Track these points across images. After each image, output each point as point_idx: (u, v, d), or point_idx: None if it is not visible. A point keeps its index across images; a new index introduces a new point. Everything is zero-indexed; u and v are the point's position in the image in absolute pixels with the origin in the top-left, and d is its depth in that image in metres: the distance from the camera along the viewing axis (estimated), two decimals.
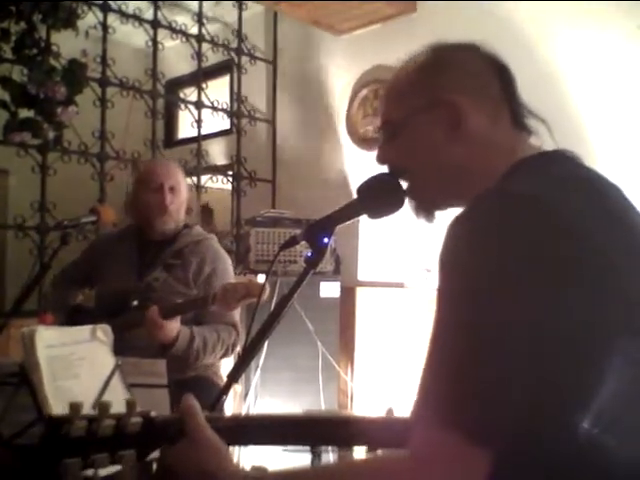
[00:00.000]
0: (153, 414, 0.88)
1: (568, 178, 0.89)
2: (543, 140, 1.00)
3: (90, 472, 0.84)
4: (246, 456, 2.46)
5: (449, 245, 0.82)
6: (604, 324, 0.77)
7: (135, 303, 2.25)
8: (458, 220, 0.83)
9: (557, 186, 0.85)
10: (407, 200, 1.09)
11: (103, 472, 0.87)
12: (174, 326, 2.11)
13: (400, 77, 1.06)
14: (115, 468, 0.86)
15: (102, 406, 0.83)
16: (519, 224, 0.79)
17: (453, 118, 0.98)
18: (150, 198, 2.35)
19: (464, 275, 0.79)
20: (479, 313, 0.76)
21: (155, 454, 0.92)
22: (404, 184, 1.09)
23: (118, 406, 0.87)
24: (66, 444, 0.81)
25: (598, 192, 0.89)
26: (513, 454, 0.76)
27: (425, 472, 0.76)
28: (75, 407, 0.81)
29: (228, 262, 2.43)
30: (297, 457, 2.29)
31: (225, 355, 2.30)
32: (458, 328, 0.78)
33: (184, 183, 2.44)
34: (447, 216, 0.92)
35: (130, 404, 0.85)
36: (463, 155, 0.98)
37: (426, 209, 1.06)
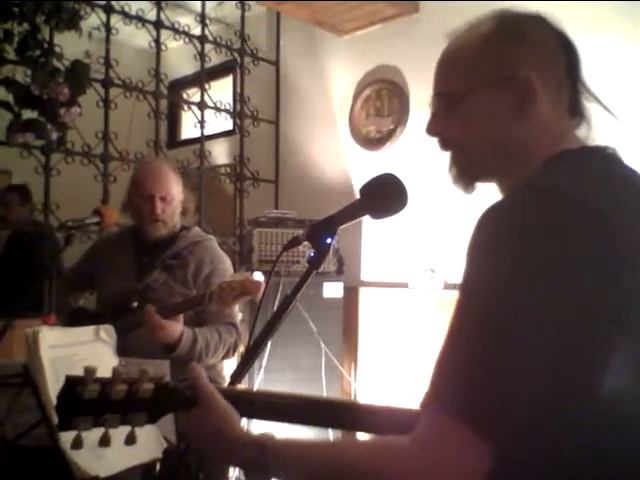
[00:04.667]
0: (166, 380, 0.92)
1: (605, 175, 0.88)
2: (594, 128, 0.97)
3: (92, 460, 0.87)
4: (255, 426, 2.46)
5: (478, 236, 0.82)
6: (613, 322, 0.77)
7: (135, 304, 2.25)
8: (490, 212, 0.83)
9: (593, 183, 0.84)
10: (448, 168, 1.04)
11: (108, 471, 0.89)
12: (177, 327, 2.11)
13: (463, 46, 0.99)
14: (126, 428, 0.90)
15: (115, 371, 0.87)
16: (549, 221, 0.79)
17: (524, 95, 0.93)
18: (141, 205, 2.35)
19: (488, 269, 0.79)
20: (499, 308, 0.77)
21: (156, 453, 0.94)
22: (449, 151, 1.03)
23: None
24: (79, 404, 0.85)
25: (635, 191, 0.89)
26: (517, 449, 0.76)
27: (428, 458, 0.76)
28: (90, 370, 0.85)
29: (227, 262, 2.42)
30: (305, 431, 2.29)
31: (226, 356, 2.30)
32: (477, 320, 0.78)
33: (177, 188, 2.40)
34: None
35: (143, 371, 0.89)
36: (524, 135, 0.94)
37: (469, 180, 1.02)
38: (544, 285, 0.76)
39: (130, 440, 0.90)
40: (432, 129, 1.03)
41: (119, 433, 0.90)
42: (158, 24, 3.75)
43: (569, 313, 0.76)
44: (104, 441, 0.88)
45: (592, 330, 0.76)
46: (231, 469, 2.40)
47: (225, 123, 4.33)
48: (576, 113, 0.97)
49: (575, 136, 0.97)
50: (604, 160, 0.92)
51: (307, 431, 1.01)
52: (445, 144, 1.02)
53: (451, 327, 0.80)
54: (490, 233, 0.81)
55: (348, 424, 1.03)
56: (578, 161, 0.90)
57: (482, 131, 0.97)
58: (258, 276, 2.00)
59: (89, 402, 0.85)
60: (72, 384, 0.85)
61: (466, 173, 1.01)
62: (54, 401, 0.86)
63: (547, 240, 0.78)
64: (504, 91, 0.94)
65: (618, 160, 0.94)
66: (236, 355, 2.35)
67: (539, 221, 0.79)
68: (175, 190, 2.39)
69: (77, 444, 0.88)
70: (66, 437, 0.98)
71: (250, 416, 1.04)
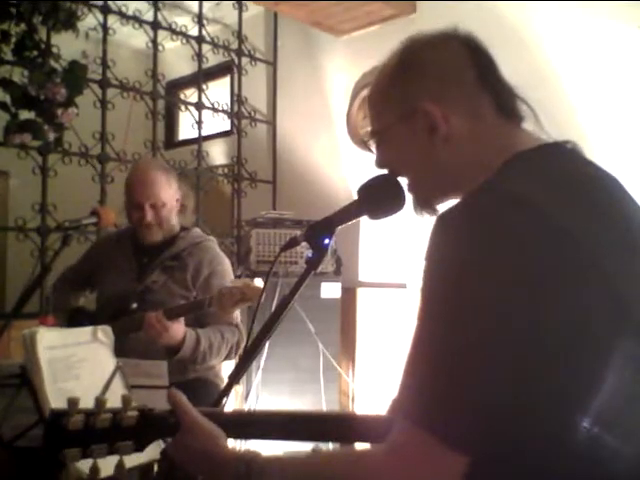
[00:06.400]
0: (149, 408, 0.93)
1: (564, 175, 0.87)
2: (537, 123, 0.98)
3: (89, 461, 0.89)
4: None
5: (435, 244, 0.81)
6: (600, 324, 0.77)
7: (134, 306, 2.25)
8: (444, 219, 0.83)
9: (550, 185, 0.83)
10: (409, 196, 1.09)
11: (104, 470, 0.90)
12: (180, 328, 2.10)
13: (376, 87, 1.06)
14: (114, 458, 0.91)
15: (99, 401, 0.87)
16: (506, 225, 0.78)
17: (428, 126, 0.97)
18: (132, 212, 2.34)
19: (449, 275, 0.78)
20: (465, 314, 0.76)
21: (153, 454, 0.94)
22: (404, 181, 1.09)
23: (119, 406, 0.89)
24: (66, 436, 0.85)
25: (594, 189, 0.88)
26: (513, 456, 0.76)
27: (399, 470, 0.77)
28: (73, 402, 0.85)
29: (227, 264, 2.42)
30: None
31: (229, 356, 2.29)
32: (444, 327, 0.77)
33: (168, 191, 2.35)
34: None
35: (126, 399, 0.90)
36: (449, 155, 0.97)
37: (426, 205, 1.06)
38: (512, 289, 0.75)
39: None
40: (376, 163, 1.09)
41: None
42: (155, 25, 3.75)
43: (545, 317, 0.74)
44: (93, 472, 0.89)
45: (559, 337, 0.75)
46: None
47: (222, 124, 4.33)
48: (509, 114, 0.98)
49: (528, 135, 0.97)
50: (561, 158, 0.92)
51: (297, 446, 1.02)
52: (392, 174, 1.09)
53: (419, 333, 0.79)
54: (446, 239, 0.81)
55: (345, 437, 1.03)
56: (533, 161, 0.90)
57: (408, 160, 1.03)
58: (258, 282, 1.99)
59: (75, 433, 0.85)
60: (56, 417, 0.85)
61: (421, 201, 1.06)
62: (51, 402, 0.86)
63: (502, 243, 0.77)
64: (411, 125, 0.99)
65: (576, 156, 0.93)
66: (237, 356, 2.35)
67: (487, 224, 0.78)
68: (166, 194, 2.34)
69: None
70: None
71: (236, 436, 1.05)
